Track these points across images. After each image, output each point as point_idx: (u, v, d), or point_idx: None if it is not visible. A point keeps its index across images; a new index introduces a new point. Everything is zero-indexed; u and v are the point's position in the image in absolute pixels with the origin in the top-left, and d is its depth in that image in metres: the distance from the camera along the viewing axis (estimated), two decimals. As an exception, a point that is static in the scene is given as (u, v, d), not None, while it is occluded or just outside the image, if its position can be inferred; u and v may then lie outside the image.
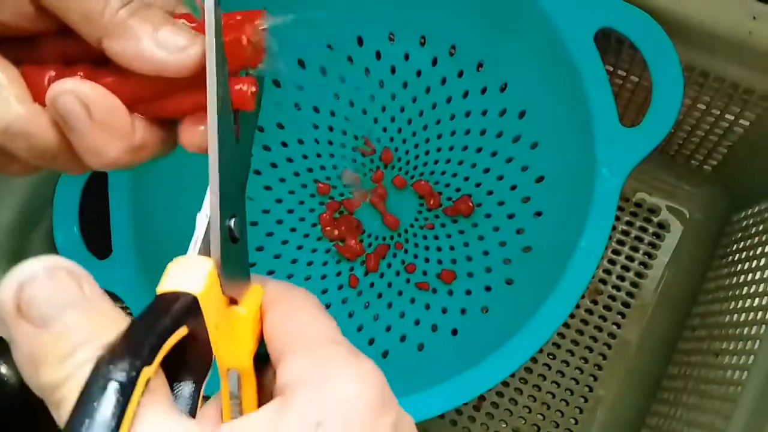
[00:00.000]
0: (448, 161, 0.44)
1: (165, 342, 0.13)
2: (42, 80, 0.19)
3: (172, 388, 0.16)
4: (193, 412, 0.16)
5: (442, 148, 0.44)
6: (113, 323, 0.14)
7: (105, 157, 0.19)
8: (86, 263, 0.36)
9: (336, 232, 0.44)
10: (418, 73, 0.43)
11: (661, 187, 0.43)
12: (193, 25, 0.19)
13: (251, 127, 0.20)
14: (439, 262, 0.42)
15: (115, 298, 0.35)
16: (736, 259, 0.37)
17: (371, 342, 0.40)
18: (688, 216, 0.43)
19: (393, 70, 0.43)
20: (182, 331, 0.14)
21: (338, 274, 0.44)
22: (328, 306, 0.42)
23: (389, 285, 0.43)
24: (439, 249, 0.43)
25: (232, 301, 0.18)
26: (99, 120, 0.18)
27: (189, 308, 0.15)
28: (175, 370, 0.15)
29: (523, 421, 0.41)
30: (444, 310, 0.40)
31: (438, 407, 0.31)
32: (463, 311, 0.39)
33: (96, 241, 0.36)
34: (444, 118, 0.43)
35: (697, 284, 0.41)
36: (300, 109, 0.45)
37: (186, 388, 0.16)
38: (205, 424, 0.16)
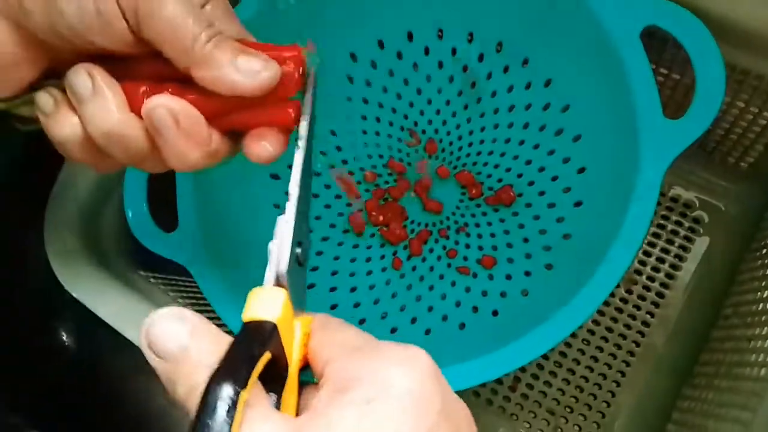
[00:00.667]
0: (491, 153, 0.45)
1: (255, 366, 0.16)
2: (137, 94, 0.23)
3: None
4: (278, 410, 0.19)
5: (485, 140, 0.46)
6: (217, 345, 0.17)
7: (186, 161, 0.23)
8: (153, 235, 0.38)
9: (381, 218, 0.47)
10: (465, 68, 0.45)
11: (698, 182, 0.45)
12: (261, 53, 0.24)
13: (309, 160, 0.24)
14: (480, 248, 0.44)
15: (180, 267, 0.37)
16: (770, 252, 0.38)
17: (413, 321, 0.42)
18: (723, 211, 0.44)
19: (440, 65, 0.46)
20: (267, 355, 0.17)
21: (382, 257, 0.46)
22: (372, 287, 0.45)
23: (431, 269, 0.45)
24: (480, 236, 0.44)
25: None
26: (184, 129, 0.23)
27: (271, 334, 0.18)
28: (266, 380, 0.18)
29: (557, 403, 0.43)
30: (484, 293, 0.42)
31: (477, 378, 0.33)
32: (503, 294, 0.41)
33: (163, 215, 0.39)
34: (488, 111, 0.45)
35: (730, 276, 0.42)
36: (350, 101, 0.47)
37: (273, 392, 0.18)
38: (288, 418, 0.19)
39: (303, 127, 0.24)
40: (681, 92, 0.40)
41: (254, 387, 0.16)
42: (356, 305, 0.44)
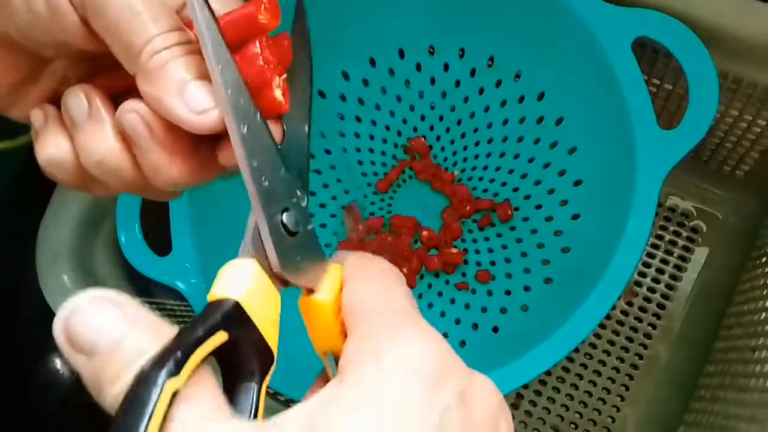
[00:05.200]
0: (486, 168, 0.45)
1: (193, 352, 0.14)
2: None
3: (232, 390, 0.16)
4: (255, 411, 0.16)
5: (479, 155, 0.45)
6: (161, 338, 0.14)
7: (165, 177, 0.20)
8: (148, 260, 0.38)
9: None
10: (457, 84, 0.45)
11: (694, 192, 0.44)
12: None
13: (301, 125, 0.21)
14: (478, 264, 0.44)
15: (176, 292, 0.37)
16: (770, 260, 0.38)
17: (413, 340, 0.42)
18: (721, 220, 0.44)
19: (433, 81, 0.46)
20: (221, 337, 0.15)
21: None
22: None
23: (429, 286, 0.44)
24: (477, 251, 0.44)
25: (310, 291, 0.18)
26: (159, 138, 0.19)
27: (230, 313, 0.15)
28: (234, 372, 0.16)
29: (561, 419, 0.42)
30: (484, 309, 0.41)
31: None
32: (503, 310, 0.41)
33: (157, 239, 0.38)
34: (482, 126, 0.45)
35: (731, 285, 0.42)
36: (343, 119, 0.47)
37: (246, 387, 0.16)
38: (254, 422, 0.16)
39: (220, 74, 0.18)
40: (674, 102, 0.40)
41: (199, 377, 0.14)
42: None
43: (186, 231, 0.38)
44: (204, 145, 0.20)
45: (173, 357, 0.13)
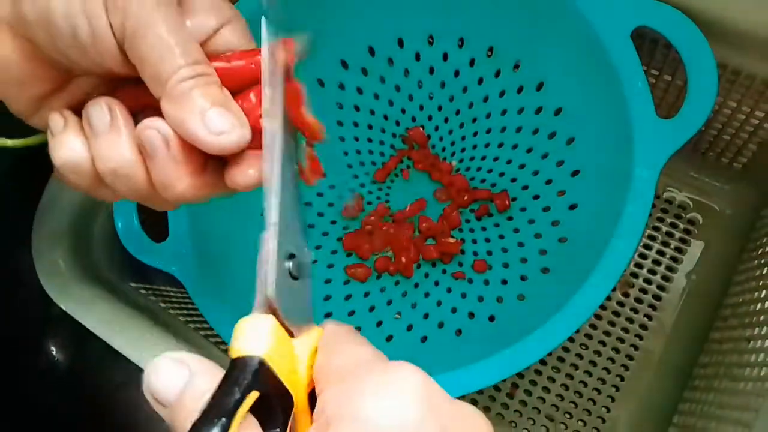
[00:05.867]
0: (484, 158, 0.45)
1: (236, 412, 0.16)
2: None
3: None
4: None
5: (478, 145, 0.45)
6: (215, 381, 0.17)
7: (174, 190, 0.22)
8: (144, 246, 0.38)
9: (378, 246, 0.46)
10: (456, 74, 0.45)
11: (692, 184, 0.44)
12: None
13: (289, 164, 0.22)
14: (475, 253, 0.44)
15: (172, 278, 0.37)
16: (766, 251, 0.38)
17: (409, 328, 0.42)
18: (718, 212, 0.44)
19: (431, 71, 0.45)
20: (254, 396, 0.16)
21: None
22: (366, 295, 0.44)
23: (426, 275, 0.44)
24: (474, 241, 0.44)
25: (291, 335, 0.19)
26: (174, 154, 0.21)
27: (258, 370, 0.17)
28: (262, 422, 0.17)
29: (556, 409, 0.42)
30: (480, 299, 0.41)
31: (475, 384, 0.33)
32: (499, 299, 0.41)
33: (153, 225, 0.38)
34: (480, 116, 0.45)
35: (728, 277, 0.42)
36: (342, 108, 0.47)
37: (276, 428, 0.17)
38: None
39: (271, 121, 0.21)
40: (673, 94, 0.40)
41: (246, 426, 0.16)
42: (351, 313, 0.43)
43: (182, 217, 0.38)
44: (211, 167, 0.22)
45: (219, 424, 0.15)
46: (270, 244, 0.19)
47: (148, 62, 0.21)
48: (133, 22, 0.20)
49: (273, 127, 0.21)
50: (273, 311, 0.18)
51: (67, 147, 0.22)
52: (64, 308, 0.35)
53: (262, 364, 0.17)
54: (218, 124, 0.21)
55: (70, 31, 0.21)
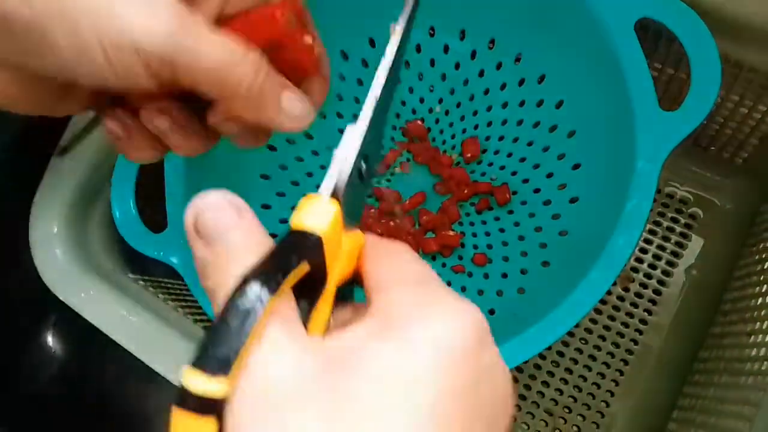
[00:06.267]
0: (485, 151, 0.45)
1: (289, 275, 0.16)
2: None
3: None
4: (305, 323, 0.18)
5: (479, 138, 0.45)
6: (260, 246, 0.17)
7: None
8: (142, 236, 0.38)
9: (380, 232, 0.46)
10: (457, 66, 0.45)
11: (693, 178, 0.44)
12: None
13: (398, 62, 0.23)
14: (475, 247, 0.43)
15: (170, 269, 0.37)
16: (767, 246, 0.38)
17: (409, 322, 0.41)
18: (719, 206, 0.44)
19: (432, 63, 0.45)
20: (305, 267, 0.16)
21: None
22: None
23: (426, 269, 0.44)
24: (474, 235, 0.44)
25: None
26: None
27: (313, 246, 0.17)
28: (298, 290, 0.17)
29: (555, 403, 0.42)
30: (480, 292, 0.41)
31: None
32: (499, 293, 0.41)
33: (152, 215, 0.38)
34: (481, 109, 0.45)
35: (728, 272, 0.42)
36: (341, 100, 0.46)
37: (303, 304, 0.17)
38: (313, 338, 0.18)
39: (405, 13, 0.23)
40: (675, 87, 0.40)
41: (285, 296, 0.16)
42: (350, 306, 0.43)
43: (181, 207, 0.37)
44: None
45: (275, 278, 0.15)
46: (355, 138, 0.19)
47: (209, 80, 0.21)
48: (184, 55, 0.20)
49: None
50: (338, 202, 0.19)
51: (149, 150, 0.24)
52: (61, 298, 0.35)
53: (319, 243, 0.17)
54: (297, 108, 0.23)
55: (74, 55, 0.19)
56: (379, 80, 0.21)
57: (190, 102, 0.23)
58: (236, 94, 0.21)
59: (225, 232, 0.16)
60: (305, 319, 0.17)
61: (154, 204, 0.38)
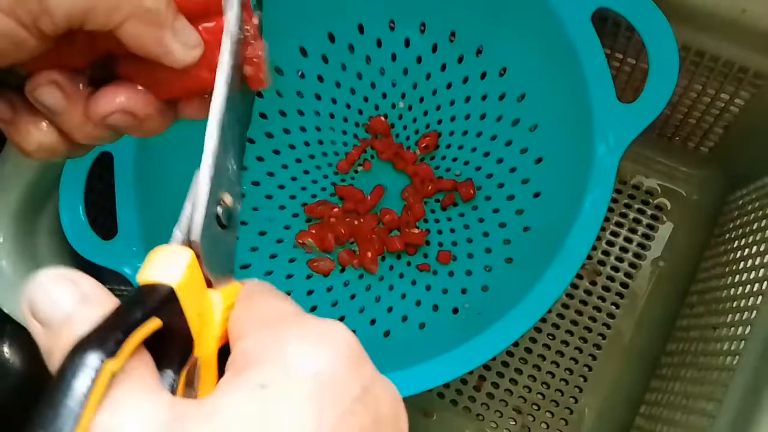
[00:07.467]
0: (449, 146, 0.44)
1: (131, 334, 0.14)
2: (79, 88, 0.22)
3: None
4: (176, 386, 0.16)
5: (442, 133, 0.44)
6: (102, 312, 0.15)
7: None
8: (92, 244, 0.36)
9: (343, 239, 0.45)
10: (419, 60, 0.44)
11: (659, 169, 0.44)
12: None
13: (246, 116, 0.21)
14: (440, 244, 0.43)
15: (120, 277, 0.35)
16: (733, 236, 0.38)
17: (373, 322, 0.41)
18: (685, 197, 0.43)
19: (394, 58, 0.44)
20: (155, 323, 0.15)
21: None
22: (329, 289, 0.43)
23: (391, 268, 0.43)
24: (440, 232, 0.43)
25: (209, 285, 0.18)
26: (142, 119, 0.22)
27: (165, 300, 0.15)
28: (157, 358, 0.16)
29: (524, 401, 0.42)
30: (445, 291, 0.41)
31: (440, 377, 0.32)
32: (463, 291, 0.40)
33: (101, 222, 0.36)
34: (444, 104, 0.44)
35: (695, 263, 0.41)
36: (302, 97, 0.45)
37: (165, 375, 0.16)
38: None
39: (224, 47, 0.20)
40: (637, 78, 0.39)
41: (133, 358, 0.14)
42: (313, 309, 0.42)
43: (132, 214, 0.36)
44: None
45: (113, 338, 0.14)
46: (203, 182, 0.18)
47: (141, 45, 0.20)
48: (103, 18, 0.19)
49: (223, 63, 0.20)
50: (194, 251, 0.17)
51: (33, 134, 0.22)
52: (5, 311, 0.33)
53: (171, 295, 0.15)
54: (189, 37, 0.21)
55: None
56: (213, 121, 0.19)
57: (82, 75, 0.22)
58: (140, 4, 0.20)
59: (59, 308, 0.15)
60: (175, 381, 0.16)
61: (105, 210, 0.37)
